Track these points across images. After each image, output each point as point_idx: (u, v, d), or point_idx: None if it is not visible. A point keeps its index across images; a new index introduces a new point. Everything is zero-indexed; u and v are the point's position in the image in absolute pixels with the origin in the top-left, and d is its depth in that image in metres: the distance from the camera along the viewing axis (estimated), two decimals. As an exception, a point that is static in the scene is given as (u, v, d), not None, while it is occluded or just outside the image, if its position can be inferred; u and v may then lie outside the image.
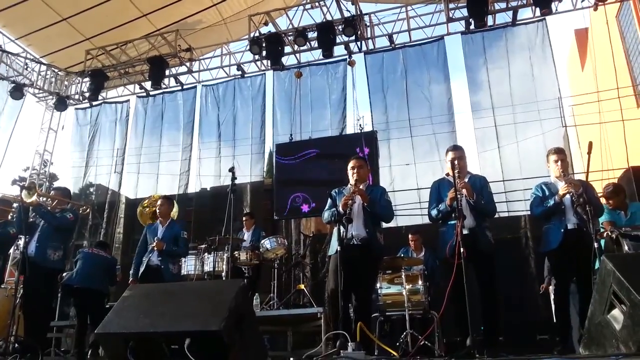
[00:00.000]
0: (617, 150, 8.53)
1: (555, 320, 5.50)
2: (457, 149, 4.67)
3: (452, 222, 4.27)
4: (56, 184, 20.15)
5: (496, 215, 5.24)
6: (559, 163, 4.52)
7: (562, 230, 4.42)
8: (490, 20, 9.07)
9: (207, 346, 3.12)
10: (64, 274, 6.33)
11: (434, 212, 4.56)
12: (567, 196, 4.34)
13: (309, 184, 7.80)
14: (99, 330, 3.53)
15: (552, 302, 5.94)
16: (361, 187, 4.48)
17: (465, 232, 3.95)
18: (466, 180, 4.42)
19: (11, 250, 7.25)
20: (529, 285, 7.30)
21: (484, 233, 4.32)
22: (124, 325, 3.43)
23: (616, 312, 2.92)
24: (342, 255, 3.94)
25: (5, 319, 5.37)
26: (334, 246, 4.22)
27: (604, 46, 9.03)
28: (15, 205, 5.74)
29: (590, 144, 4.47)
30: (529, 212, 5.55)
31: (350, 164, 4.63)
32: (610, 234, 4.63)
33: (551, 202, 4.44)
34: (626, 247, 4.26)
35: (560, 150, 4.72)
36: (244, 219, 7.49)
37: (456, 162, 4.26)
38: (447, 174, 4.49)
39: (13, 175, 20.64)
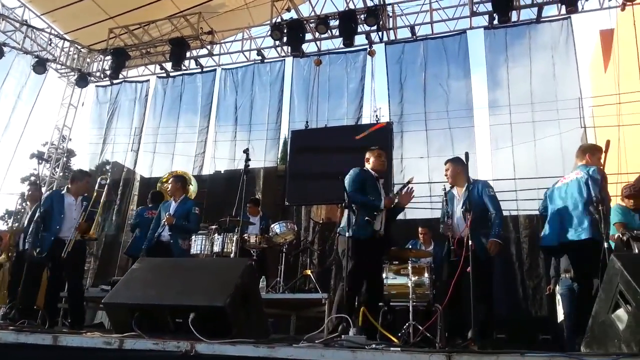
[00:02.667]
0: (633, 154, 8.38)
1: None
2: (447, 162, 4.91)
3: None
4: (73, 160, 20.43)
5: (507, 214, 5.20)
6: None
7: None
8: (514, 16, 8.95)
9: (211, 321, 3.17)
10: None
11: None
12: None
13: (323, 170, 7.76)
14: (105, 300, 3.61)
15: (557, 302, 5.92)
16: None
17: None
18: (462, 190, 4.59)
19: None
20: (536, 285, 7.25)
21: (479, 240, 4.36)
22: (130, 296, 3.50)
23: (621, 312, 2.88)
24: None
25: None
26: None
27: (629, 48, 8.84)
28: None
29: (608, 142, 4.40)
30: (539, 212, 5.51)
31: (379, 153, 4.95)
32: (621, 235, 4.60)
33: None
34: (636, 250, 4.22)
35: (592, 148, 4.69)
36: (248, 205, 7.00)
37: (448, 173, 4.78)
38: (452, 186, 4.82)
39: (32, 149, 20.89)
